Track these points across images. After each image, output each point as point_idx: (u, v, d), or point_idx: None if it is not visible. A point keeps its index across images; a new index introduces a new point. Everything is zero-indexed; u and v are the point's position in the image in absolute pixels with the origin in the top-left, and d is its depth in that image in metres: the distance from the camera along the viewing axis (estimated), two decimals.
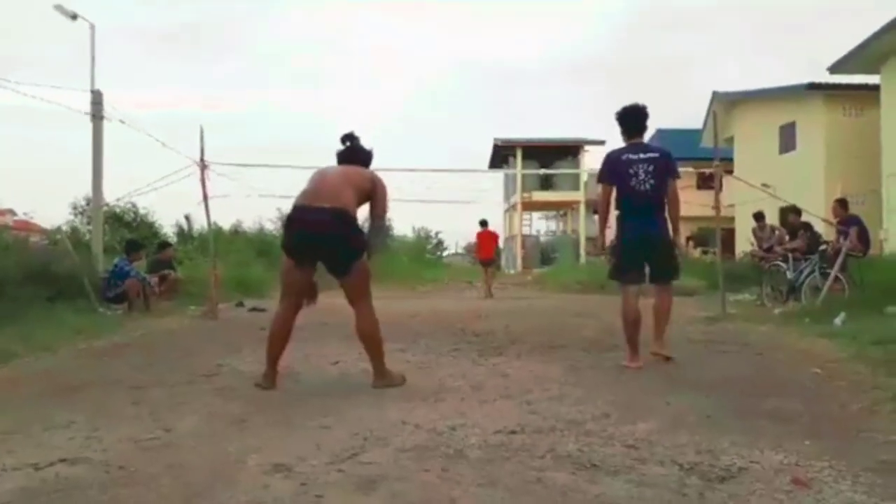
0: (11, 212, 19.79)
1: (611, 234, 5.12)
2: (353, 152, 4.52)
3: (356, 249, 4.12)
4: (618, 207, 5.03)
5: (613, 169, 5.01)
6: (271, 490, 2.33)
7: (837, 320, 6.90)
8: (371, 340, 4.22)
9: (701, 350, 5.68)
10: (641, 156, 4.95)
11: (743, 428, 3.11)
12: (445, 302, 13.01)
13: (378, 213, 4.35)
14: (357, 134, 4.58)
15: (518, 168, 32.41)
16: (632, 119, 5.08)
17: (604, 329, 7.07)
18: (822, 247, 9.61)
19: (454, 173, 23.38)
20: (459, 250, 50.35)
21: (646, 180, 4.88)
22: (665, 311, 5.05)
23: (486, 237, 15.63)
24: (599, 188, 5.14)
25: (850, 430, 3.12)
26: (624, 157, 4.98)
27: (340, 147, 4.55)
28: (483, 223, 15.65)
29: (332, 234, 4.02)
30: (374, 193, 4.30)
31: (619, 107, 5.12)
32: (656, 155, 4.97)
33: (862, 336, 5.65)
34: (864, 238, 9.45)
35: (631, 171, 4.90)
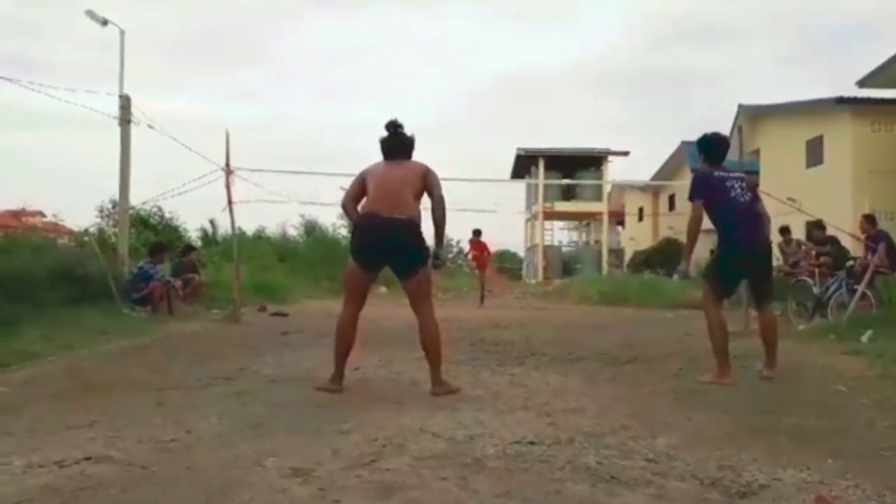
0: (41, 213, 20.14)
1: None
2: (399, 141, 4.57)
3: (424, 256, 4.32)
4: (717, 223, 4.95)
5: (708, 183, 4.97)
6: (289, 494, 2.34)
7: (864, 337, 6.78)
8: (434, 345, 4.31)
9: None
10: (732, 174, 5.04)
11: (765, 444, 3.07)
12: (465, 311, 12.99)
13: (437, 217, 4.43)
14: (400, 122, 4.62)
15: (540, 178, 32.35)
16: (715, 147, 5.14)
17: (624, 342, 7.02)
18: (850, 262, 9.47)
19: (476, 182, 23.35)
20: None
21: (743, 194, 4.93)
22: (776, 333, 5.08)
23: (476, 247, 15.67)
24: (690, 206, 4.97)
25: (875, 448, 3.07)
26: (716, 173, 5.00)
27: (385, 135, 4.58)
28: (476, 232, 15.61)
29: (404, 241, 4.23)
30: (430, 192, 4.40)
31: (700, 134, 5.22)
32: (742, 174, 5.13)
33: (888, 354, 5.56)
34: (892, 254, 9.29)
35: (727, 184, 4.93)
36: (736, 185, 4.92)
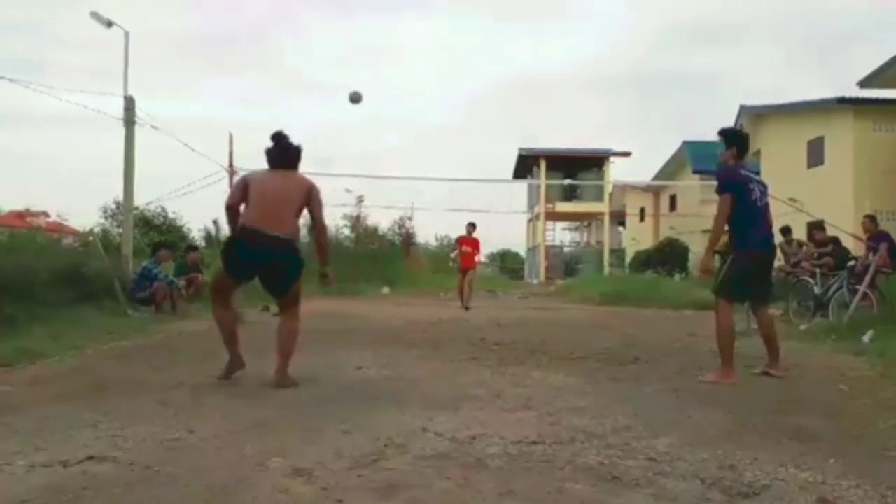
0: (45, 214, 20.18)
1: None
2: (286, 153, 4.63)
3: (298, 274, 4.53)
4: (733, 222, 4.94)
5: (736, 179, 4.97)
6: (292, 493, 2.35)
7: (865, 337, 6.79)
8: (289, 340, 4.51)
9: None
10: (753, 176, 5.10)
11: (766, 444, 3.08)
12: (467, 311, 12.99)
13: (319, 226, 4.71)
14: (286, 133, 4.67)
15: (542, 178, 32.38)
16: (745, 142, 5.17)
17: (625, 341, 7.03)
18: (851, 262, 9.47)
19: (478, 183, 23.36)
20: (483, 259, 50.35)
21: (761, 198, 4.96)
22: (776, 331, 5.14)
23: (468, 243, 13.64)
24: (720, 199, 4.94)
25: (877, 448, 3.07)
26: (742, 171, 5.04)
27: (270, 145, 4.62)
28: (471, 226, 13.72)
29: (284, 261, 4.44)
30: (311, 206, 4.56)
31: (720, 127, 5.25)
32: (760, 178, 5.18)
33: (890, 353, 5.57)
34: (893, 254, 9.29)
35: (750, 186, 4.95)
36: (756, 189, 4.95)
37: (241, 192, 4.55)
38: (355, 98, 4.09)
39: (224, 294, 4.66)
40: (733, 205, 4.85)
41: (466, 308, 12.56)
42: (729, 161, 5.07)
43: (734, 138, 5.16)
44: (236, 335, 4.62)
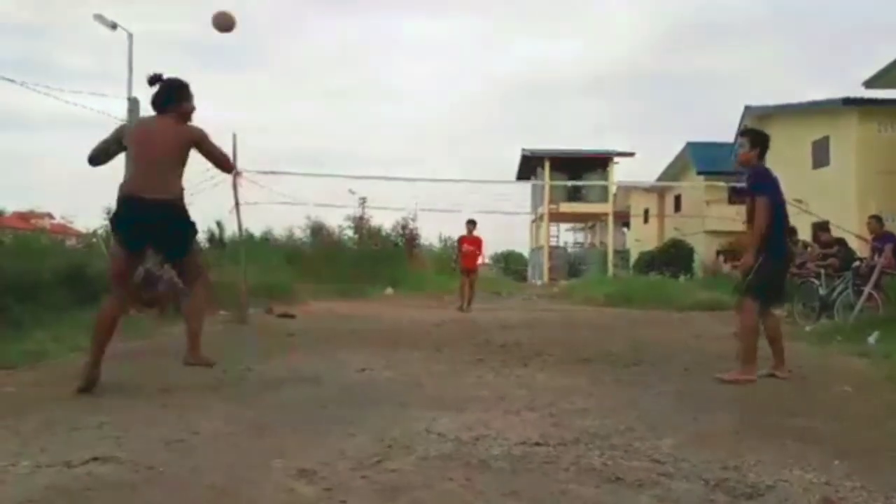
0: (49, 216, 20.26)
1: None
2: (166, 95, 4.39)
3: (192, 234, 4.40)
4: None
5: (772, 180, 4.96)
6: (296, 494, 2.36)
7: (871, 338, 6.77)
8: (198, 316, 4.53)
9: (729, 366, 5.59)
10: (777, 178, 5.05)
11: (770, 446, 3.07)
12: (470, 312, 12.99)
13: (222, 165, 4.61)
14: (161, 73, 4.44)
15: (546, 179, 32.38)
16: (768, 145, 5.11)
17: (629, 343, 7.02)
18: (856, 263, 9.44)
19: (481, 184, 23.29)
20: (487, 260, 50.35)
21: (784, 201, 5.02)
22: (781, 333, 5.13)
23: (470, 243, 13.01)
24: (764, 200, 4.80)
25: (882, 450, 3.06)
26: (773, 173, 5.01)
27: (153, 92, 4.41)
28: (471, 223, 13.07)
29: (172, 226, 4.23)
30: (204, 151, 4.39)
31: (752, 129, 5.35)
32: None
33: (895, 355, 5.54)
34: None
35: (780, 188, 4.98)
36: (781, 190, 4.99)
37: (115, 143, 4.34)
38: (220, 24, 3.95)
39: (122, 278, 4.31)
40: (770, 207, 4.80)
41: (460, 309, 12.08)
42: (753, 161, 5.03)
43: (761, 139, 5.12)
44: (110, 338, 4.22)
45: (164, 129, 4.31)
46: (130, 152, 4.30)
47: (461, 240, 13.07)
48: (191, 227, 4.40)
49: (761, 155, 5.07)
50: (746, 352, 4.84)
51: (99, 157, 4.44)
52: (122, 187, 4.25)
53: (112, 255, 4.54)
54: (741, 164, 5.19)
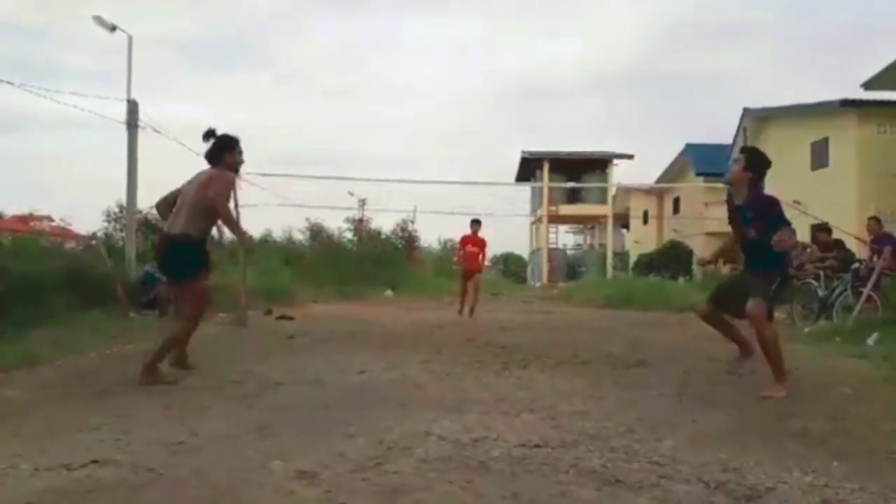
0: (49, 218, 20.23)
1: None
2: (211, 149, 4.93)
3: (188, 270, 4.72)
4: (763, 241, 4.58)
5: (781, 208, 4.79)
6: (295, 496, 2.36)
7: (870, 340, 6.77)
8: (171, 339, 4.82)
9: (727, 369, 5.60)
10: None
11: (770, 447, 3.07)
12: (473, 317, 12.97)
13: (221, 216, 4.85)
14: (215, 129, 4.97)
15: (545, 181, 32.39)
16: (765, 171, 4.85)
17: (629, 345, 7.02)
18: (855, 265, 9.45)
19: (480, 185, 23.29)
20: (487, 262, 50.28)
21: None
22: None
23: (473, 242, 12.13)
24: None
25: (881, 451, 3.07)
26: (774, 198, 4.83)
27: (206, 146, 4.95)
28: (475, 223, 12.27)
29: (171, 257, 4.80)
30: (210, 196, 4.70)
31: (754, 150, 5.00)
32: None
33: (894, 356, 5.55)
34: None
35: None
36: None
37: (173, 195, 4.97)
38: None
39: (173, 296, 5.17)
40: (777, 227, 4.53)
41: (460, 313, 11.58)
42: (743, 182, 4.75)
43: (757, 162, 4.80)
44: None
45: (201, 179, 4.81)
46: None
47: (464, 240, 12.27)
48: (187, 260, 4.71)
49: (757, 179, 4.79)
50: (778, 363, 4.51)
51: (160, 206, 5.11)
52: None
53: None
54: (730, 182, 4.95)
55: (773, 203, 4.73)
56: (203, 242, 4.80)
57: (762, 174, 4.83)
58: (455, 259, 13.06)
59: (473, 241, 12.08)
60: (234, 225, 5.09)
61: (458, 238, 12.93)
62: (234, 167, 5.04)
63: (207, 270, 4.90)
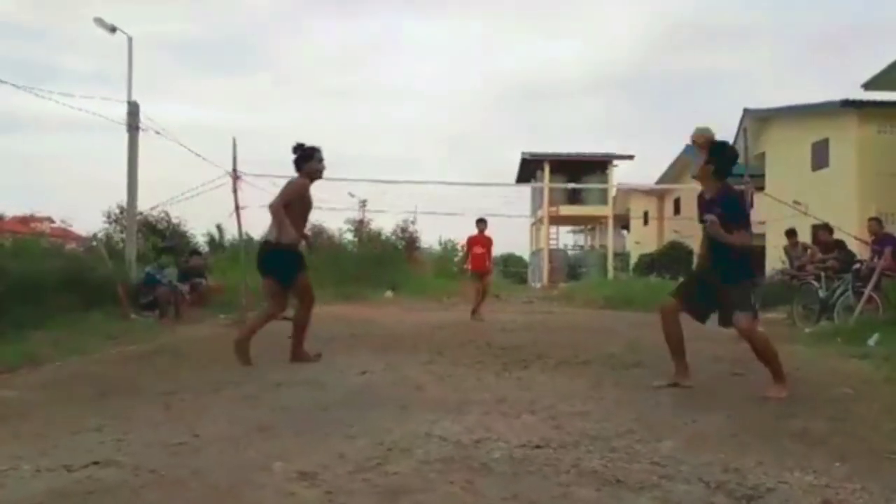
0: (49, 219, 20.23)
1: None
2: (294, 160, 5.55)
3: (282, 269, 5.40)
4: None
5: (745, 208, 4.85)
6: (296, 497, 2.36)
7: (871, 341, 6.77)
8: (299, 325, 5.65)
9: (728, 369, 5.61)
10: None
11: (770, 448, 3.07)
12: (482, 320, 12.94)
13: (274, 219, 5.33)
14: (303, 143, 5.56)
15: (546, 182, 32.39)
16: (729, 166, 4.73)
17: (629, 345, 7.02)
18: (856, 265, 9.44)
19: (481, 186, 23.27)
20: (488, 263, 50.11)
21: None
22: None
23: (480, 243, 11.85)
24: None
25: (882, 452, 3.07)
26: (740, 194, 4.91)
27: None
28: (481, 222, 11.99)
29: (264, 260, 5.49)
30: (270, 203, 5.43)
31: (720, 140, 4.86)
32: None
33: (895, 357, 5.54)
34: None
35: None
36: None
37: None
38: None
39: (267, 296, 5.76)
40: (745, 226, 4.57)
41: (474, 313, 11.20)
42: (707, 178, 4.70)
43: (717, 156, 4.68)
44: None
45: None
46: None
47: (471, 241, 11.97)
48: (284, 262, 5.38)
49: (720, 173, 4.65)
50: (776, 364, 4.46)
51: None
52: None
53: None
54: (694, 176, 4.89)
55: (737, 197, 4.75)
56: (287, 245, 5.33)
57: (726, 167, 4.69)
58: (465, 264, 12.67)
59: (480, 242, 11.85)
60: (283, 227, 5.31)
61: (460, 239, 12.94)
62: (314, 175, 5.57)
63: (303, 266, 5.51)
